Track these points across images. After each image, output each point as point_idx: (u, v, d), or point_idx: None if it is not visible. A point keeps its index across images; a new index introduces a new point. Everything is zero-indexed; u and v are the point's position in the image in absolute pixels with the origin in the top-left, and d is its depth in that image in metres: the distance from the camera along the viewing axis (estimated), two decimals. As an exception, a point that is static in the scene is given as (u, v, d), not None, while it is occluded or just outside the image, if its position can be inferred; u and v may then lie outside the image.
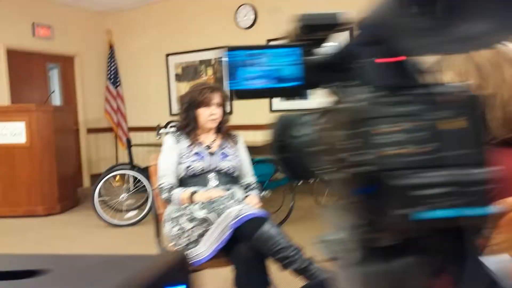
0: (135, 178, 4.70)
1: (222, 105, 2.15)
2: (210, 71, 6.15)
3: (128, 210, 4.68)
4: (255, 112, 5.60)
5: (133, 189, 4.69)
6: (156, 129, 4.86)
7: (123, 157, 7.12)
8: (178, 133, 2.15)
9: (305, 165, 0.50)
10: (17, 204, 4.62)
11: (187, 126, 2.12)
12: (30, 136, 4.59)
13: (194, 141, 2.10)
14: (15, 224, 4.45)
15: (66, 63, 6.60)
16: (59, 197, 4.85)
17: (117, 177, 4.64)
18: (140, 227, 4.28)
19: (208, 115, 2.10)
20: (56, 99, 6.54)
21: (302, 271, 1.79)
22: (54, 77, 6.60)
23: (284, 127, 0.58)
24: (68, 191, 5.15)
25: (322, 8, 0.60)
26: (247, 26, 5.71)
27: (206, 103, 2.09)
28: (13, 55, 5.81)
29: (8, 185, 4.63)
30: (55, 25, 6.29)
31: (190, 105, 2.11)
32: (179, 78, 6.48)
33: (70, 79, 6.69)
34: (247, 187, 2.17)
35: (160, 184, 2.04)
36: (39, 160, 4.66)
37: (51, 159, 4.76)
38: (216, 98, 2.11)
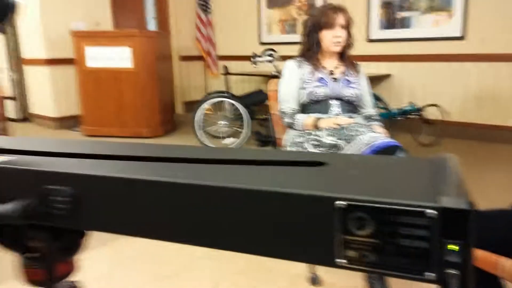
0: (230, 105, 4.80)
1: (347, 27, 2.04)
2: (304, -3, 5.87)
3: (224, 137, 4.86)
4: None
5: (231, 117, 4.82)
6: (249, 58, 4.84)
7: (212, 86, 7.30)
8: (300, 58, 2.10)
9: None
10: (125, 125, 4.99)
11: (310, 50, 2.06)
12: (135, 61, 4.81)
13: (317, 66, 2.04)
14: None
15: (161, -12, 6.68)
16: (160, 121, 5.15)
17: (208, 105, 4.78)
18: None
19: (332, 37, 2.01)
20: (151, 26, 6.72)
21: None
22: (149, 2, 6.73)
23: None
24: (168, 115, 5.44)
25: None
26: None
27: (329, 25, 2.00)
28: (113, -20, 5.97)
29: (118, 107, 4.98)
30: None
31: (313, 28, 2.03)
32: (269, 4, 6.28)
33: (163, 5, 6.79)
34: (368, 118, 2.11)
35: (282, 109, 2.04)
36: (143, 85, 4.91)
37: (153, 84, 4.99)
38: (340, 19, 2.01)
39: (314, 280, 1.86)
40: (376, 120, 2.10)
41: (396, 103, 5.02)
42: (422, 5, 4.84)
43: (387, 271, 0.35)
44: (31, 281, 0.65)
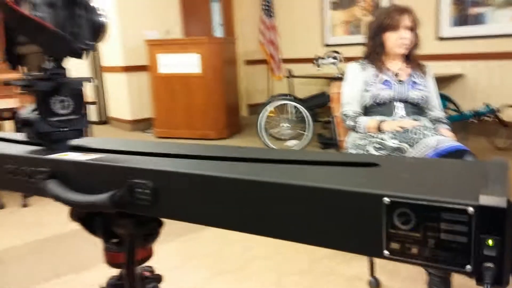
0: (294, 108, 4.85)
1: (413, 29, 2.01)
2: (370, -4, 5.76)
3: (287, 139, 4.92)
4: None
5: (293, 119, 4.86)
6: (312, 60, 4.85)
7: (275, 89, 7.39)
8: (364, 60, 2.10)
9: None
10: (194, 127, 5.23)
11: (373, 52, 2.05)
12: (203, 66, 5.02)
13: (381, 68, 2.03)
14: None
15: (227, -5, 6.90)
16: (226, 123, 5.33)
17: (272, 108, 4.86)
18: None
19: (396, 39, 1.99)
20: (218, 32, 6.96)
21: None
22: (216, 10, 6.97)
23: None
24: (233, 118, 5.61)
25: None
26: None
27: (394, 26, 1.98)
28: (183, -10, 6.28)
29: (187, 110, 5.23)
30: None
31: (377, 30, 2.02)
32: (334, 6, 6.24)
33: (229, 11, 7.00)
34: (435, 121, 2.05)
35: (344, 112, 2.05)
36: (211, 89, 5.11)
37: (220, 88, 5.18)
38: (405, 20, 1.98)
39: (373, 283, 1.85)
40: (444, 123, 2.04)
41: (469, 105, 4.76)
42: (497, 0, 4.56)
43: (429, 263, 0.38)
44: (113, 264, 0.75)
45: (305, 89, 6.68)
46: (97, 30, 0.66)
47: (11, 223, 2.82)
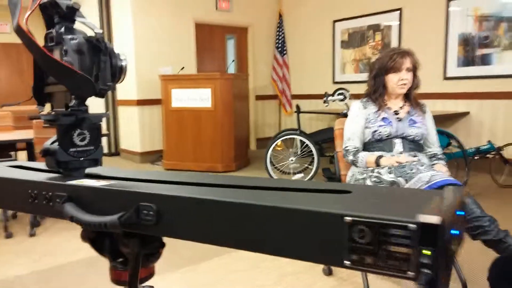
0: (301, 143, 4.94)
1: (412, 70, 2.12)
2: (378, 36, 5.95)
3: (294, 173, 4.98)
4: (427, 81, 5.26)
5: (300, 153, 4.95)
6: (322, 97, 4.98)
7: (285, 124, 7.53)
8: (365, 99, 2.20)
9: None
10: (202, 160, 5.33)
11: (375, 92, 2.15)
12: (214, 101, 5.19)
13: (382, 107, 2.12)
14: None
15: (241, 34, 7.18)
16: (234, 156, 5.43)
17: (280, 142, 4.96)
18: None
19: (397, 80, 2.09)
20: (231, 67, 7.20)
21: (496, 243, 1.72)
22: (231, 47, 7.24)
23: None
24: (241, 152, 5.71)
25: None
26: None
27: (396, 69, 2.08)
28: (199, 28, 6.56)
29: (196, 143, 5.36)
30: (233, -2, 6.85)
31: (380, 71, 2.13)
32: (344, 45, 6.45)
33: (243, 49, 7.27)
34: (432, 157, 2.13)
35: (345, 147, 2.14)
36: (221, 123, 5.25)
37: (230, 122, 5.32)
38: (406, 63, 2.08)
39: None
40: (440, 159, 2.11)
41: (474, 142, 4.82)
42: (503, 41, 4.69)
43: (381, 271, 0.45)
44: (118, 281, 0.82)
45: (315, 124, 6.81)
46: (118, 73, 0.76)
47: (18, 252, 2.89)
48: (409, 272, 0.43)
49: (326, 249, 0.49)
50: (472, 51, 4.95)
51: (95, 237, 0.80)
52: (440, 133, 3.93)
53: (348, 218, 0.47)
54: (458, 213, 0.54)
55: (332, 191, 0.61)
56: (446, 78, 5.20)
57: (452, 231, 0.49)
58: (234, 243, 0.56)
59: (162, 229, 0.63)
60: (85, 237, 0.81)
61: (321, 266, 2.39)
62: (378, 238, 0.45)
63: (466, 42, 5.00)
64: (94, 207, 0.70)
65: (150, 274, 0.83)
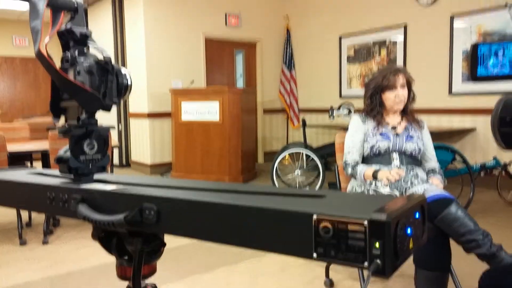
0: (307, 156, 5.02)
1: (407, 86, 2.20)
2: (383, 52, 6.05)
3: (301, 187, 5.04)
4: (432, 96, 5.33)
5: (306, 167, 5.02)
6: (328, 111, 5.07)
7: (293, 137, 7.62)
8: (364, 114, 2.28)
9: None
10: (210, 172, 5.43)
11: (372, 110, 2.23)
12: (222, 114, 5.31)
13: (380, 122, 2.20)
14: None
15: (250, 48, 7.34)
16: (242, 169, 5.52)
17: (287, 155, 5.04)
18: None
19: (394, 97, 2.17)
20: (239, 81, 7.34)
21: (489, 257, 1.77)
22: (239, 61, 7.39)
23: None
24: (249, 165, 5.80)
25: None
26: (429, 3, 5.41)
27: (391, 86, 2.17)
28: (208, 43, 6.73)
29: (204, 155, 5.47)
30: (242, 14, 7.02)
31: (375, 91, 2.21)
32: (350, 60, 6.55)
33: (252, 63, 7.41)
34: (430, 172, 2.19)
35: (345, 160, 2.21)
36: (228, 136, 5.36)
37: (237, 135, 5.43)
38: (400, 80, 2.17)
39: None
40: (438, 173, 2.17)
41: (481, 158, 4.84)
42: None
43: (342, 261, 0.54)
44: (124, 277, 0.91)
45: (320, 138, 6.88)
46: (123, 90, 0.87)
47: (32, 259, 2.99)
48: (365, 263, 0.51)
49: (299, 243, 0.57)
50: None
51: (104, 236, 0.89)
52: (444, 148, 3.99)
53: (315, 216, 0.55)
54: (416, 216, 0.62)
55: (309, 195, 0.70)
56: (451, 94, 5.26)
57: (407, 230, 0.57)
58: (220, 238, 0.65)
59: (161, 228, 0.72)
60: (95, 236, 0.90)
61: (321, 280, 2.44)
62: (339, 233, 0.54)
63: (470, 58, 5.06)
64: (104, 208, 0.79)
65: (153, 271, 0.92)
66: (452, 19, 5.18)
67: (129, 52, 6.66)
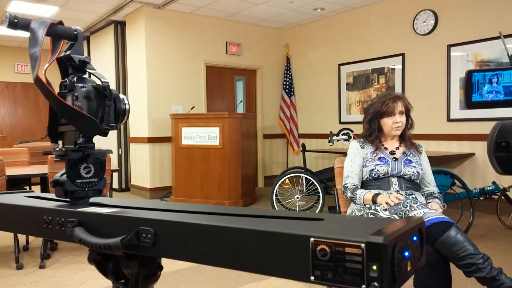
0: (307, 180, 5.00)
1: (405, 112, 2.22)
2: (382, 79, 6.12)
3: (300, 210, 5.01)
4: (431, 122, 5.37)
5: (306, 191, 5.00)
6: (328, 136, 5.08)
7: (293, 162, 7.62)
8: (363, 139, 2.29)
9: None
10: (209, 196, 5.41)
11: (371, 135, 2.24)
12: (222, 139, 5.33)
13: (379, 147, 2.21)
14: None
15: (250, 75, 7.43)
16: (241, 193, 5.49)
17: (286, 180, 5.03)
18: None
19: (392, 123, 2.19)
20: (240, 107, 7.40)
21: (490, 280, 1.75)
22: (240, 88, 7.47)
23: (507, 129, 0.67)
24: (249, 189, 5.78)
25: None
26: (426, 32, 5.52)
27: (389, 113, 2.18)
28: (209, 70, 6.83)
29: (204, 180, 5.46)
30: (243, 42, 7.14)
31: (374, 116, 2.23)
32: (349, 87, 6.62)
33: (252, 89, 7.49)
34: (428, 196, 2.19)
35: (344, 184, 2.21)
36: (228, 160, 5.36)
37: (237, 160, 5.43)
38: (399, 106, 2.19)
39: None
40: (437, 197, 2.17)
41: (480, 183, 4.83)
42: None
43: (340, 284, 0.53)
44: None
45: (319, 163, 6.89)
46: (120, 115, 0.88)
47: (28, 283, 2.94)
48: (363, 286, 0.51)
49: (296, 266, 0.57)
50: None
51: (100, 260, 0.88)
52: (444, 173, 3.99)
53: (312, 239, 0.55)
54: (414, 238, 0.62)
55: (308, 218, 0.70)
56: (449, 120, 5.29)
57: (404, 252, 0.57)
58: (218, 262, 0.64)
59: (158, 251, 0.72)
60: (92, 259, 0.89)
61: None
62: (336, 256, 0.53)
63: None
64: (100, 231, 0.79)
65: (149, 296, 0.90)
66: (449, 48, 5.27)
67: (130, 78, 6.75)
